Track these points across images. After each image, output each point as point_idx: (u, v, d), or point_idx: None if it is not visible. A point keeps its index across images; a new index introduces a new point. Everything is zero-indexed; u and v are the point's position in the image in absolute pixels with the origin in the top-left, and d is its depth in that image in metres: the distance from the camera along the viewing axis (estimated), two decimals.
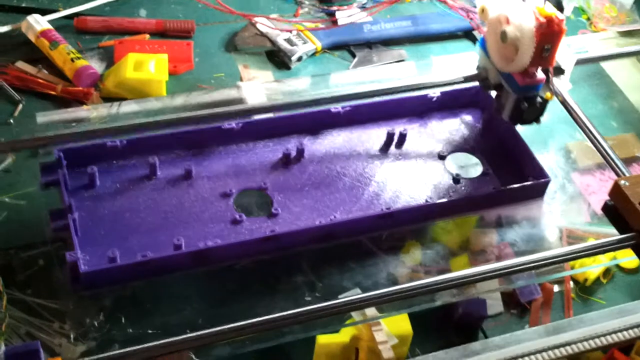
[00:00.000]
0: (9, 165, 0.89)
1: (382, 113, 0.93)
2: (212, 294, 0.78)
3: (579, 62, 0.96)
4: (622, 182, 0.75)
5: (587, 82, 1.09)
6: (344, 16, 1.15)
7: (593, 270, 0.88)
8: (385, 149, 0.91)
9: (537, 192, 0.88)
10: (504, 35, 0.80)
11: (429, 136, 0.93)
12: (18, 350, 0.59)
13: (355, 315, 0.76)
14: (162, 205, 0.82)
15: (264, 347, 0.74)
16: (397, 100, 0.93)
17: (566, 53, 0.87)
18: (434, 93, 0.95)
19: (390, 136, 0.91)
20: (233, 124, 0.88)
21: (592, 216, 0.91)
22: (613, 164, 0.81)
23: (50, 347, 0.72)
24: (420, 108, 0.95)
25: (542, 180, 0.87)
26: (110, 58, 1.05)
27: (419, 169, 0.89)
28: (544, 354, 0.77)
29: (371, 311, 0.75)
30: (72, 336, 0.73)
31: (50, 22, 1.06)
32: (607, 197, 0.89)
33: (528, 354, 0.77)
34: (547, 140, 0.97)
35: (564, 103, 0.87)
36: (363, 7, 1.17)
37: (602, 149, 0.83)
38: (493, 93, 0.88)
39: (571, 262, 0.86)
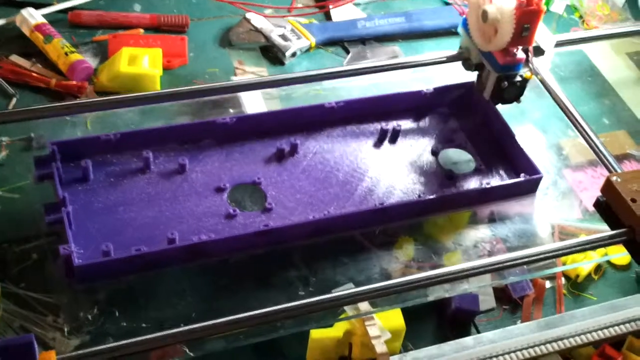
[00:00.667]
0: (2, 159, 0.89)
1: (375, 109, 0.93)
2: (206, 288, 0.78)
3: (559, 44, 0.97)
4: (614, 178, 0.76)
5: (580, 79, 1.09)
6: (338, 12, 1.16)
7: (584, 266, 0.88)
8: (378, 144, 0.91)
9: (530, 188, 0.89)
10: (484, 15, 0.82)
11: (422, 132, 0.94)
12: (11, 342, 0.59)
13: (349, 310, 0.76)
14: (156, 199, 0.82)
15: (257, 341, 0.74)
16: (390, 96, 0.94)
17: (546, 34, 0.90)
18: (427, 89, 0.95)
19: (383, 132, 0.91)
20: (227, 119, 0.88)
21: (583, 212, 0.91)
22: (604, 159, 0.82)
23: (44, 340, 0.72)
24: (413, 104, 0.95)
25: (535, 176, 0.88)
26: (104, 52, 1.05)
27: (412, 164, 0.90)
28: (536, 348, 0.78)
29: (364, 306, 0.76)
30: (66, 330, 0.73)
31: (44, 16, 1.06)
32: (599, 194, 0.90)
33: (520, 349, 0.77)
34: (540, 136, 0.98)
35: (543, 82, 0.89)
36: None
37: (592, 144, 0.84)
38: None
39: (563, 258, 0.87)
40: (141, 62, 1.00)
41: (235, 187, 0.85)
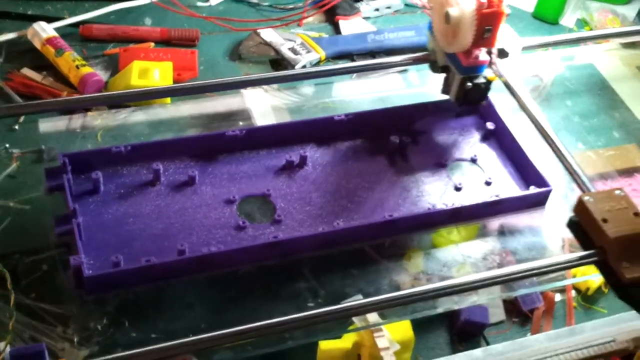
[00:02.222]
0: (13, 171, 0.90)
1: (385, 121, 0.93)
2: (215, 299, 0.78)
3: (526, 48, 0.98)
4: (586, 198, 0.74)
5: (590, 92, 1.09)
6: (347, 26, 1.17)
7: (594, 279, 0.88)
8: (388, 157, 0.91)
9: (539, 201, 0.88)
10: (447, 17, 0.82)
11: (431, 145, 0.94)
12: (23, 351, 0.59)
13: (358, 321, 0.76)
14: (166, 211, 0.82)
15: (266, 352, 0.74)
16: (399, 109, 0.94)
17: (512, 37, 0.90)
18: (436, 102, 0.95)
19: (393, 144, 0.92)
20: (237, 131, 0.88)
21: None
22: (576, 177, 0.80)
23: (54, 351, 0.72)
24: (422, 117, 0.95)
25: (544, 189, 0.87)
26: (115, 66, 1.06)
27: (421, 177, 0.90)
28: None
29: (373, 317, 0.75)
30: (75, 340, 0.73)
31: (56, 29, 1.07)
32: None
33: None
34: (549, 149, 0.97)
35: (507, 85, 0.89)
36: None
37: (563, 159, 0.83)
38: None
39: (573, 271, 0.87)
40: (152, 75, 1.01)
41: (245, 199, 0.85)
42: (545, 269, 0.73)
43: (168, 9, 1.14)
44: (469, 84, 0.87)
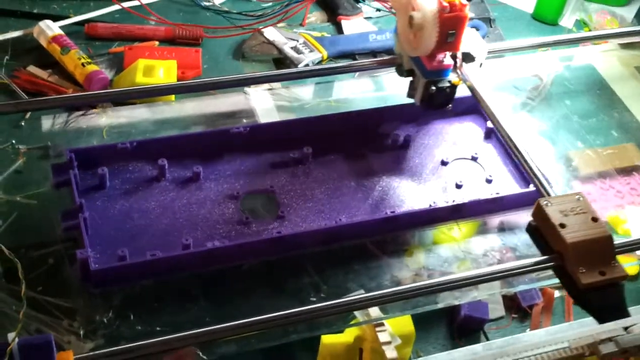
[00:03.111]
0: (20, 167, 0.91)
1: (387, 119, 0.95)
2: (219, 293, 0.79)
3: (493, 52, 0.98)
4: (545, 202, 0.74)
5: (589, 92, 1.10)
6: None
7: None
8: (390, 154, 0.93)
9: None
10: (411, 20, 0.82)
11: (432, 142, 0.95)
12: (31, 341, 0.60)
13: (359, 316, 0.77)
14: (171, 207, 0.83)
15: (269, 345, 0.75)
16: (401, 107, 0.95)
17: (479, 41, 0.90)
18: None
19: (395, 142, 0.93)
20: (241, 128, 0.89)
21: None
22: (537, 182, 0.80)
23: (60, 344, 0.73)
24: (424, 114, 0.96)
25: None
26: (120, 64, 1.07)
27: (423, 174, 0.91)
28: (545, 355, 0.78)
29: (375, 312, 0.76)
30: (81, 333, 0.74)
31: (61, 28, 1.08)
32: (608, 205, 0.91)
33: (528, 356, 0.78)
34: (549, 148, 0.99)
35: (472, 90, 0.89)
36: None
37: (523, 163, 0.82)
38: None
39: None
40: (157, 73, 1.02)
41: (249, 195, 0.86)
42: (501, 274, 0.73)
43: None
44: (433, 87, 0.86)
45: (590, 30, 1.26)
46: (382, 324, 0.77)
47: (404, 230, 0.85)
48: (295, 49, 1.11)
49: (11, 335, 0.59)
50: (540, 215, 0.74)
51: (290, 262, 0.81)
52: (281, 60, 1.11)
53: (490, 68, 1.10)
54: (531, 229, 0.75)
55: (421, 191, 0.89)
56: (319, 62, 1.12)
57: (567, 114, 1.05)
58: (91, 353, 0.62)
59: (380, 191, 0.88)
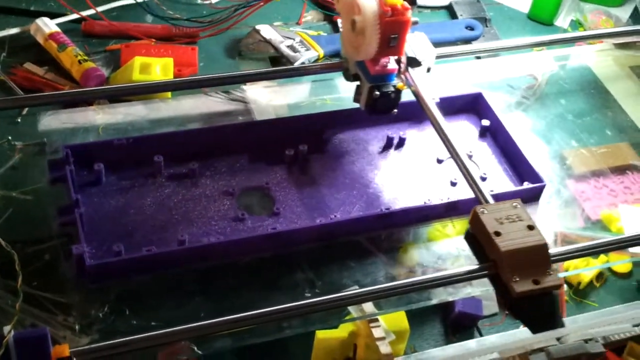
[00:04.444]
0: (15, 163, 0.91)
1: (382, 117, 0.95)
2: (214, 289, 0.79)
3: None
4: (481, 210, 0.73)
5: (584, 92, 1.11)
6: None
7: (586, 273, 0.90)
8: (385, 152, 0.93)
9: (533, 196, 0.90)
10: (353, 24, 0.81)
11: (427, 140, 0.95)
12: (26, 335, 0.60)
13: (354, 312, 0.77)
14: (167, 203, 0.84)
15: (263, 340, 0.76)
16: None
17: (427, 45, 0.89)
18: (433, 99, 0.97)
19: (390, 140, 0.93)
20: (237, 124, 0.90)
21: (586, 221, 0.92)
22: (476, 189, 0.79)
23: (55, 339, 0.73)
24: (419, 113, 0.96)
25: (538, 184, 0.89)
26: (116, 61, 1.07)
27: (417, 171, 0.91)
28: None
29: (369, 307, 0.77)
30: (76, 328, 0.74)
31: (58, 25, 1.08)
32: (602, 204, 0.91)
33: (522, 353, 0.78)
34: (543, 146, 0.99)
35: (416, 95, 0.87)
36: None
37: (465, 171, 0.81)
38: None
39: (565, 265, 0.89)
40: (153, 70, 1.02)
41: (244, 191, 0.86)
42: (442, 281, 0.72)
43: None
44: (377, 92, 0.84)
45: (585, 30, 1.26)
46: (377, 320, 0.77)
47: (398, 227, 0.86)
48: (291, 47, 1.11)
49: (7, 329, 0.60)
50: (476, 222, 0.73)
51: (285, 258, 0.82)
52: (277, 59, 1.11)
53: (486, 67, 1.11)
54: (468, 237, 0.75)
55: (416, 188, 0.89)
56: (315, 61, 1.12)
57: (561, 113, 1.06)
58: (86, 347, 0.63)
59: (375, 188, 0.89)
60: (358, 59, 0.85)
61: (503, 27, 1.25)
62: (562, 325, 0.69)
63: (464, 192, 0.88)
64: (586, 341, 0.69)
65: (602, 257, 0.89)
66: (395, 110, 0.88)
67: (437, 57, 1.01)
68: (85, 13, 1.12)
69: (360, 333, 0.77)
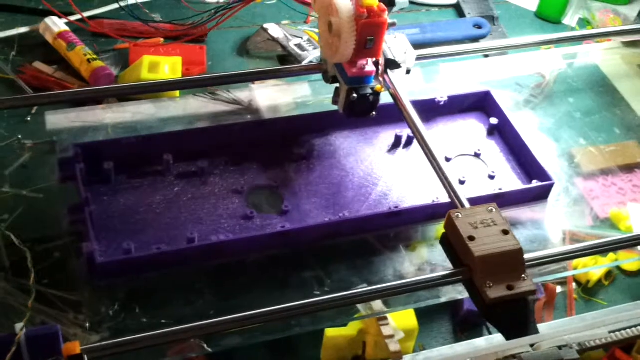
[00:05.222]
0: (25, 161, 0.91)
1: (390, 116, 0.95)
2: (223, 287, 0.80)
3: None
4: (456, 214, 0.72)
5: (592, 90, 1.11)
6: None
7: (595, 271, 0.90)
8: (393, 150, 0.93)
9: (542, 194, 0.90)
10: (330, 26, 0.80)
11: (435, 139, 0.95)
12: (38, 332, 0.60)
13: (363, 310, 0.77)
14: (176, 201, 0.84)
15: (273, 338, 0.76)
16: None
17: (406, 47, 0.88)
18: (442, 97, 0.97)
19: (398, 138, 0.93)
20: (246, 123, 0.90)
21: (594, 220, 0.92)
22: (451, 193, 0.78)
23: (66, 336, 0.73)
24: (427, 111, 0.97)
25: (546, 183, 0.89)
26: (125, 60, 1.08)
27: (425, 170, 0.91)
28: (585, 342, 0.78)
29: (378, 305, 0.77)
30: (87, 326, 0.74)
31: (67, 24, 1.09)
32: (610, 202, 0.91)
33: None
34: (552, 144, 0.99)
35: (394, 97, 0.86)
36: None
37: (440, 174, 0.80)
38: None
39: (574, 264, 0.88)
40: (162, 69, 1.02)
41: (253, 190, 0.87)
42: (410, 287, 0.71)
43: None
44: (354, 95, 0.83)
45: (593, 29, 1.26)
46: (385, 318, 0.77)
47: (407, 226, 0.86)
48: (299, 46, 1.12)
49: (18, 327, 0.60)
50: (451, 227, 0.72)
51: (294, 256, 0.82)
52: (285, 58, 1.11)
53: (494, 65, 1.11)
54: (444, 241, 0.74)
55: (424, 187, 0.89)
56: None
57: (570, 112, 1.06)
58: (97, 344, 0.63)
59: (384, 187, 0.89)
60: (335, 61, 0.84)
61: (511, 26, 1.25)
62: (536, 331, 0.68)
63: (473, 191, 0.88)
64: (560, 347, 0.67)
65: (611, 255, 0.89)
66: (374, 113, 0.86)
67: (446, 56, 1.02)
68: (93, 12, 1.13)
69: (369, 331, 0.77)
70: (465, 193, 0.87)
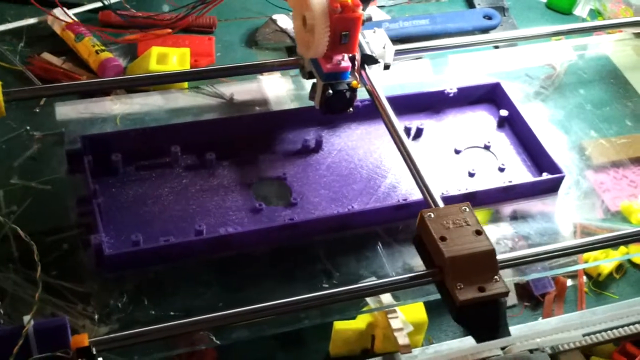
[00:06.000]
0: (34, 153, 0.91)
1: (399, 107, 0.94)
2: (232, 279, 0.79)
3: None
4: (428, 214, 0.70)
5: (603, 82, 1.10)
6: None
7: (606, 264, 0.89)
8: (401, 142, 0.92)
9: (552, 187, 0.90)
10: (304, 21, 0.79)
11: (445, 131, 0.95)
12: (46, 324, 0.60)
13: (372, 303, 0.77)
14: (184, 193, 0.84)
15: (282, 331, 0.76)
16: (414, 95, 0.95)
17: (385, 42, 0.87)
18: (451, 89, 0.97)
19: (407, 130, 0.93)
20: (254, 114, 0.90)
21: (605, 213, 0.92)
22: (426, 193, 0.76)
23: (74, 328, 0.74)
24: (437, 103, 0.96)
25: (557, 175, 0.89)
26: (133, 51, 1.07)
27: (435, 162, 0.91)
28: (559, 345, 0.78)
29: (387, 299, 0.77)
30: (95, 317, 0.74)
31: (75, 15, 1.08)
32: (622, 195, 0.90)
33: (541, 345, 0.78)
34: (562, 137, 0.98)
35: (371, 94, 0.85)
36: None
37: (414, 173, 0.78)
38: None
39: (584, 257, 0.88)
40: (170, 60, 1.02)
41: (261, 182, 0.86)
42: (380, 288, 0.70)
43: None
44: (330, 91, 0.82)
45: (604, 20, 1.25)
46: (394, 311, 0.77)
47: (416, 218, 0.85)
48: None
49: (26, 318, 0.60)
50: (422, 227, 0.70)
51: (303, 248, 0.82)
52: (294, 49, 1.10)
53: (504, 57, 1.10)
54: (416, 241, 0.72)
55: (434, 179, 0.88)
56: None
57: (580, 103, 1.05)
58: (105, 336, 0.63)
59: (392, 179, 0.88)
60: (309, 56, 0.83)
61: (521, 16, 1.24)
62: (507, 334, 0.66)
63: (482, 183, 0.88)
64: (531, 351, 0.66)
65: (622, 248, 0.88)
66: (351, 110, 0.85)
67: (455, 47, 1.01)
68: (99, 4, 1.12)
69: (378, 324, 0.77)
70: (474, 185, 0.87)
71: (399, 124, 0.82)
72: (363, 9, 0.78)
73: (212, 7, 1.01)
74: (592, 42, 1.15)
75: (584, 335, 0.74)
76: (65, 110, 0.93)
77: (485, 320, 0.67)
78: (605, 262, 0.88)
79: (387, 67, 0.88)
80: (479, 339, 0.66)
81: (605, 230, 0.89)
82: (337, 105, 0.83)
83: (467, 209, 0.71)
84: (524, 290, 0.88)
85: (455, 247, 0.67)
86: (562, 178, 0.89)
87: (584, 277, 0.90)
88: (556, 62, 1.09)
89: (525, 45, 1.11)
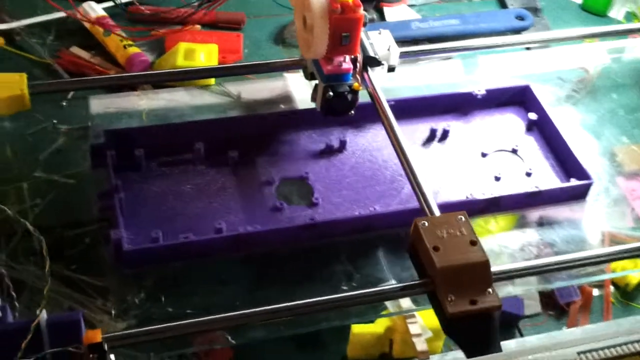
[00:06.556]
0: (60, 146, 0.92)
1: (426, 109, 0.93)
2: (250, 278, 0.79)
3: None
4: (422, 222, 0.68)
5: (637, 85, 1.07)
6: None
7: (635, 274, 0.87)
8: (427, 144, 0.92)
9: (580, 193, 0.88)
10: (304, 21, 0.77)
11: (472, 133, 0.93)
12: (60, 319, 0.60)
13: (391, 307, 0.76)
14: (205, 190, 0.83)
15: (298, 332, 0.75)
16: (441, 97, 0.94)
17: (390, 43, 0.85)
18: (479, 91, 0.95)
19: (433, 132, 0.92)
20: (277, 113, 0.89)
21: (635, 221, 0.89)
22: (422, 200, 0.74)
23: (92, 322, 0.74)
24: (464, 105, 0.95)
25: (585, 181, 0.87)
26: (161, 47, 1.07)
27: (460, 165, 0.90)
28: (582, 356, 0.76)
29: (406, 303, 0.76)
30: (113, 313, 0.75)
31: (105, 9, 1.09)
32: None
33: (564, 356, 0.76)
34: (592, 142, 0.96)
35: (371, 96, 0.83)
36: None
37: (411, 178, 0.76)
38: None
39: (612, 266, 0.86)
40: (197, 57, 1.02)
41: (283, 181, 0.86)
42: (371, 297, 0.68)
43: None
44: (330, 93, 0.80)
45: None
46: (414, 316, 0.76)
47: None
48: None
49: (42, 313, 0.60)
50: (416, 236, 0.68)
51: (323, 249, 0.81)
52: None
53: (535, 59, 1.08)
54: (410, 250, 0.70)
55: (458, 182, 0.87)
56: None
57: (613, 108, 1.02)
58: (118, 333, 0.63)
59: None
60: (309, 57, 0.81)
61: (554, 18, 1.22)
62: (499, 350, 0.64)
63: (508, 188, 0.86)
64: None
65: None
66: (352, 112, 0.83)
67: (485, 48, 0.99)
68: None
69: (397, 329, 0.76)
70: (500, 190, 0.85)
71: (400, 130, 0.80)
72: (365, 10, 0.77)
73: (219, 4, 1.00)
74: (627, 45, 1.13)
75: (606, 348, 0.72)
76: (92, 105, 0.93)
77: (476, 334, 0.64)
78: (634, 272, 0.86)
79: (391, 69, 0.86)
80: (469, 354, 0.63)
81: (635, 239, 0.87)
82: (338, 107, 0.82)
83: (463, 218, 0.69)
84: (548, 299, 0.86)
85: (448, 257, 0.65)
86: (590, 185, 0.87)
87: (611, 287, 0.87)
88: (589, 65, 1.07)
89: (558, 47, 1.09)
